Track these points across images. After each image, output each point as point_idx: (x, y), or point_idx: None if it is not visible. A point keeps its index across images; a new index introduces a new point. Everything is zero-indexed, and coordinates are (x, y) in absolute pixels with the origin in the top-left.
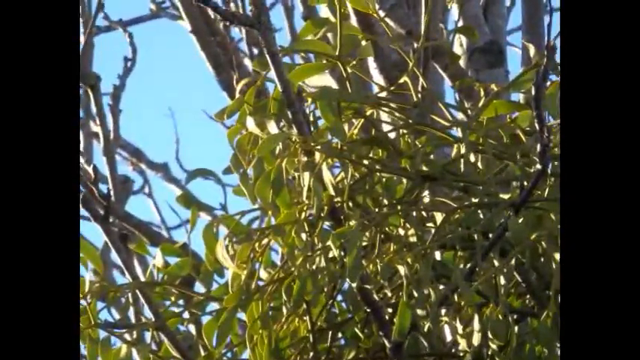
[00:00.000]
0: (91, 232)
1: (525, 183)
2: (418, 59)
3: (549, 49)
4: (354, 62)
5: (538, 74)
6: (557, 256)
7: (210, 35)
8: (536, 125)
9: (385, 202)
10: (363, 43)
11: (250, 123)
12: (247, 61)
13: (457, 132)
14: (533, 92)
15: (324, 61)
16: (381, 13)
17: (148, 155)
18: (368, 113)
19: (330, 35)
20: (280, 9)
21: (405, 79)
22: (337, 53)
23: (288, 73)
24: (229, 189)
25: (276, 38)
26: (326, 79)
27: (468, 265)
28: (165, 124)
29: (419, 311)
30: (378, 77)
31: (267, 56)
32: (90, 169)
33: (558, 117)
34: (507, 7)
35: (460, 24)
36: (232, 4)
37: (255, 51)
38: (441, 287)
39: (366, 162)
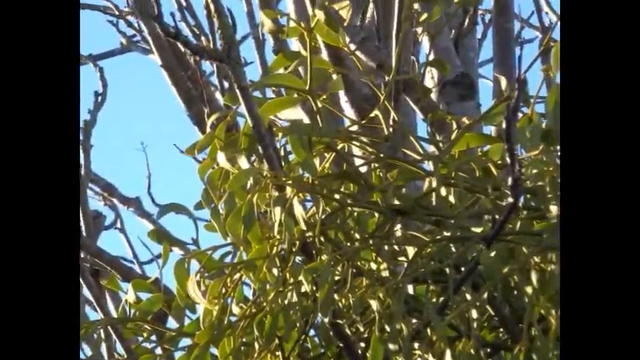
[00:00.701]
0: None
1: (497, 216)
2: (389, 92)
3: (520, 82)
4: (325, 96)
5: (509, 107)
6: (529, 289)
7: (181, 69)
8: (508, 158)
9: (357, 236)
10: (334, 76)
11: (221, 158)
12: (219, 95)
13: (429, 165)
14: (504, 125)
15: (295, 95)
16: (352, 47)
17: (119, 190)
18: (339, 147)
19: (301, 69)
20: (251, 42)
21: (376, 112)
22: (308, 87)
23: (259, 107)
24: (202, 223)
25: (245, 73)
26: (297, 113)
27: (441, 299)
28: (137, 159)
29: (391, 346)
30: (349, 111)
31: (237, 91)
32: None
33: (529, 150)
34: (479, 39)
35: (431, 57)
36: (203, 38)
37: (227, 85)
38: (414, 321)
39: (337, 196)
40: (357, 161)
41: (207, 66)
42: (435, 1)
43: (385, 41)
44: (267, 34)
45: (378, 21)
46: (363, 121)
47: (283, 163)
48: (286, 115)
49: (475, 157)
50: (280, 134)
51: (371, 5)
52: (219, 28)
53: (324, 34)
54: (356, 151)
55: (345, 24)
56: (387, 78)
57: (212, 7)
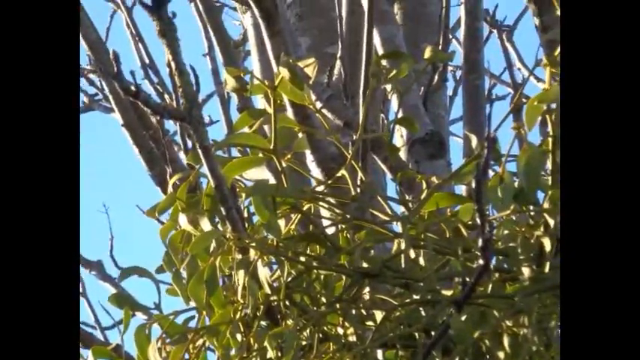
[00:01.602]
0: None
1: (468, 279)
2: (356, 152)
3: (490, 140)
4: (290, 155)
5: (479, 166)
6: (502, 354)
7: (143, 128)
8: (478, 219)
9: (323, 300)
10: (300, 135)
11: (183, 220)
12: (182, 155)
13: (398, 227)
14: (474, 185)
15: (260, 155)
16: (318, 105)
17: (81, 253)
18: (305, 208)
19: (267, 127)
20: (216, 100)
21: (343, 172)
22: (272, 147)
23: (222, 167)
24: (165, 286)
25: (208, 132)
26: (263, 173)
27: None
28: (99, 221)
29: None
30: (315, 170)
31: (199, 151)
32: None
33: (501, 210)
34: (449, 95)
35: (400, 115)
36: (167, 96)
37: (190, 143)
38: None
39: (303, 259)
40: (324, 222)
41: (171, 125)
42: (403, 58)
43: (352, 99)
44: (231, 92)
45: (345, 78)
46: (330, 181)
47: (247, 225)
48: (252, 175)
49: (445, 217)
50: (244, 195)
51: (338, 62)
52: (180, 87)
53: (288, 92)
54: (323, 212)
55: (311, 82)
56: (354, 136)
57: (173, 65)
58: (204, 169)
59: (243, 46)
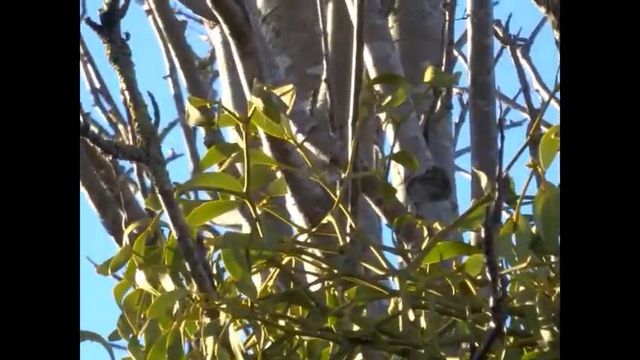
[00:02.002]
0: None
1: (477, 344)
2: (345, 193)
3: (502, 180)
4: (266, 200)
5: (489, 210)
6: None
7: (93, 167)
8: (488, 273)
9: None
10: (278, 174)
11: (140, 278)
12: (139, 196)
13: (394, 282)
14: (483, 234)
15: (232, 198)
16: (300, 138)
17: None
18: (284, 262)
19: (240, 165)
20: (180, 131)
21: (329, 218)
22: (245, 189)
23: (186, 214)
24: (121, 354)
25: (168, 174)
26: (235, 217)
27: None
28: None
29: None
30: (297, 216)
31: (158, 196)
32: None
33: (515, 262)
34: (455, 123)
35: (396, 149)
36: (121, 127)
37: (149, 182)
38: None
39: (282, 322)
40: (308, 278)
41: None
42: (399, 82)
43: (340, 130)
44: (195, 126)
45: (332, 105)
46: (314, 229)
47: (216, 283)
48: (223, 220)
49: (450, 271)
50: (212, 247)
51: (323, 86)
52: (136, 120)
53: (264, 125)
54: (306, 266)
55: (288, 112)
56: (342, 175)
57: (127, 95)
58: (166, 217)
59: (211, 65)
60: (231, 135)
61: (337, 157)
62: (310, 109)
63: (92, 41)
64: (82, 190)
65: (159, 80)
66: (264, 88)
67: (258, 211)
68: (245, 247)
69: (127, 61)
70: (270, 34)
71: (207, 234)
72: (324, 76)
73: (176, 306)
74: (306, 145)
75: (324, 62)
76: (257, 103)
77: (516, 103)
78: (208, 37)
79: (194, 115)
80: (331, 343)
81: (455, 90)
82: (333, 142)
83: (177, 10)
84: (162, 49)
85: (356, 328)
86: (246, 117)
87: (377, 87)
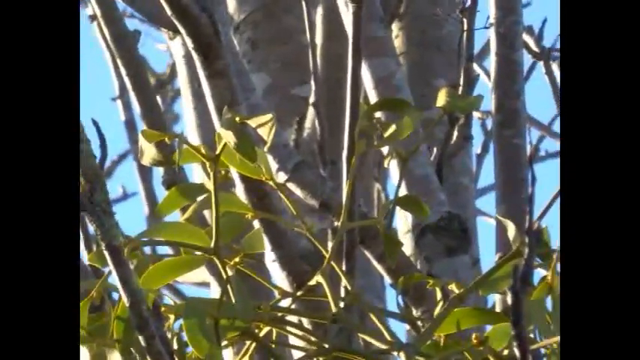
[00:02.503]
0: None
1: None
2: (339, 247)
3: (533, 233)
4: (239, 257)
5: (517, 270)
6: None
7: None
8: (516, 349)
9: None
10: (255, 224)
11: (84, 354)
12: (83, 251)
13: (400, 358)
14: (510, 298)
15: (198, 253)
16: (282, 177)
17: None
18: (263, 333)
19: (207, 211)
20: (133, 167)
21: (318, 278)
22: (213, 244)
23: (140, 274)
24: None
25: (117, 225)
26: (202, 275)
27: None
28: None
29: None
30: (279, 275)
31: (105, 253)
32: None
33: (549, 333)
34: (477, 154)
35: (402, 191)
36: None
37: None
38: None
39: None
40: (293, 354)
41: None
42: (406, 109)
43: (332, 167)
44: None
45: (322, 136)
46: (300, 292)
47: None
48: (187, 278)
49: (470, 344)
50: (172, 317)
51: (310, 111)
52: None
53: (236, 163)
54: (291, 338)
55: (267, 148)
56: (335, 224)
57: None
58: (114, 278)
59: (171, 83)
60: (196, 172)
61: (328, 201)
62: (295, 140)
63: None
64: None
65: (106, 102)
66: (237, 118)
67: (230, 271)
68: (213, 316)
69: None
70: (244, 47)
71: (167, 298)
72: (312, 99)
73: None
74: (290, 186)
75: (313, 81)
76: (228, 137)
77: (552, 130)
78: (168, 47)
79: (149, 152)
80: None
81: (476, 114)
82: (324, 182)
83: (129, 14)
84: (110, 66)
85: None
86: (215, 154)
87: (378, 114)
